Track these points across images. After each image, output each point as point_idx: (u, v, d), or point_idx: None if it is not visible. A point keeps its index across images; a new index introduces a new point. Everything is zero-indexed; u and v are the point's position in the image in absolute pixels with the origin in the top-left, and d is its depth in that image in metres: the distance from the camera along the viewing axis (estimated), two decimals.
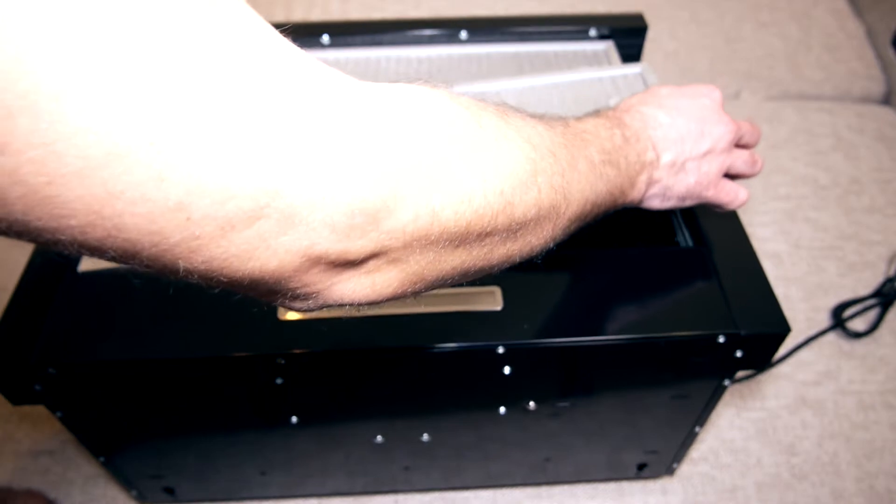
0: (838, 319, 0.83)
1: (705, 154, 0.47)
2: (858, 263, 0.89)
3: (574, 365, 0.52)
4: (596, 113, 0.45)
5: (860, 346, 0.82)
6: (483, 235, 0.31)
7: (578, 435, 0.61)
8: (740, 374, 0.69)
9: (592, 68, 0.68)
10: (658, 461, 0.67)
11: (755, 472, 0.72)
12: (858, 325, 0.84)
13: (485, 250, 0.32)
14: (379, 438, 0.59)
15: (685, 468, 0.72)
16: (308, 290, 0.27)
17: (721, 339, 0.49)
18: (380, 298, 0.30)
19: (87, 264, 0.53)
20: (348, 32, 0.74)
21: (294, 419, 0.56)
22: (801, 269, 0.89)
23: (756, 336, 0.49)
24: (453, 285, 0.33)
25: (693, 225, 0.57)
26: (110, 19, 0.19)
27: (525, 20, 0.77)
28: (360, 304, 0.30)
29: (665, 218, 0.60)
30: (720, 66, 1.13)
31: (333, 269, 0.27)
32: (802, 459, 0.73)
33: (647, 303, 0.51)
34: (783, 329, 0.49)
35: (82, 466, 0.73)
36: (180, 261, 0.23)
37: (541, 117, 0.37)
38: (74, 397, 0.52)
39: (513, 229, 0.32)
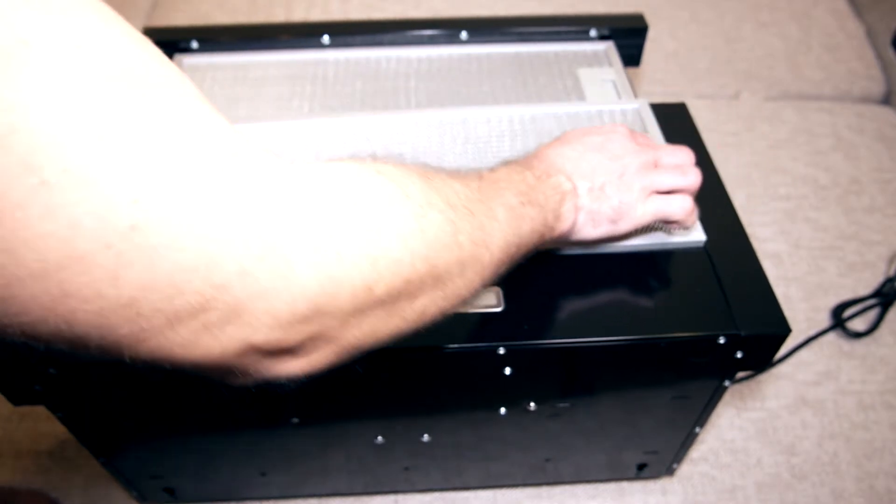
0: (838, 319, 0.83)
1: (621, 176, 0.48)
2: (858, 263, 0.89)
3: (574, 366, 0.52)
4: (506, 162, 0.46)
5: (860, 346, 0.82)
6: (413, 298, 0.32)
7: (579, 435, 0.61)
8: (740, 374, 0.69)
9: (593, 100, 0.67)
10: (658, 461, 0.67)
11: (755, 472, 0.72)
12: (858, 325, 0.84)
13: (417, 312, 0.33)
14: (379, 439, 0.59)
15: (685, 468, 0.72)
16: (246, 371, 0.29)
17: (721, 340, 0.49)
18: (316, 371, 0.31)
19: None
20: (348, 32, 0.74)
21: (294, 420, 0.56)
22: (801, 269, 0.89)
23: (756, 337, 0.49)
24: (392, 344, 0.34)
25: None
26: (67, 128, 0.20)
27: (525, 20, 0.77)
28: (297, 378, 0.31)
29: None
30: (720, 66, 1.13)
31: (273, 354, 0.28)
32: (802, 459, 0.73)
33: (648, 303, 0.51)
34: (783, 330, 0.49)
35: (83, 467, 0.73)
36: (125, 350, 0.24)
37: (458, 174, 0.38)
38: (75, 398, 0.52)
39: (439, 287, 0.33)
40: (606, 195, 0.48)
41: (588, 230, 0.49)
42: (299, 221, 0.26)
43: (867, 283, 0.87)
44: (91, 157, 0.20)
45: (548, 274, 0.53)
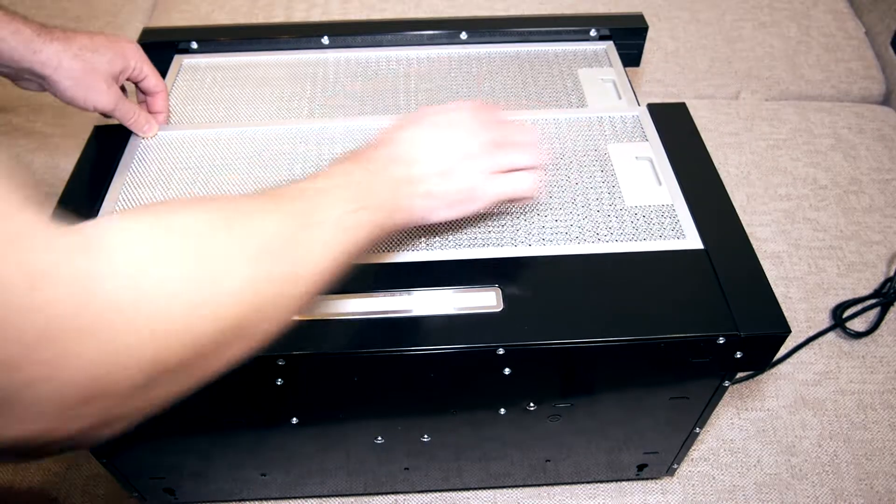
0: (838, 319, 0.83)
1: (464, 157, 0.48)
2: (858, 263, 0.89)
3: (574, 366, 0.52)
4: (344, 157, 0.46)
5: (860, 346, 0.82)
6: (207, 358, 0.32)
7: (578, 436, 0.61)
8: (740, 374, 0.69)
9: (594, 106, 0.67)
10: (658, 462, 0.67)
11: (755, 472, 0.72)
12: (858, 325, 0.84)
13: (221, 362, 0.33)
14: (379, 439, 0.59)
15: (685, 468, 0.72)
16: (35, 453, 0.29)
17: (721, 341, 0.49)
18: (116, 436, 0.31)
19: None
20: (348, 32, 0.74)
21: (294, 420, 0.56)
22: (801, 269, 0.89)
23: (756, 337, 0.49)
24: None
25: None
26: None
27: (525, 20, 0.77)
28: (99, 442, 0.31)
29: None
30: (720, 66, 1.13)
31: (53, 442, 0.28)
32: (802, 459, 0.73)
33: (647, 304, 0.51)
34: (783, 330, 0.49)
35: (83, 466, 0.73)
36: None
37: (278, 197, 0.38)
38: None
39: (241, 338, 0.34)
40: (452, 177, 0.48)
41: (442, 212, 0.49)
42: (64, 308, 0.25)
43: (867, 283, 0.87)
44: None
45: (547, 275, 0.53)
